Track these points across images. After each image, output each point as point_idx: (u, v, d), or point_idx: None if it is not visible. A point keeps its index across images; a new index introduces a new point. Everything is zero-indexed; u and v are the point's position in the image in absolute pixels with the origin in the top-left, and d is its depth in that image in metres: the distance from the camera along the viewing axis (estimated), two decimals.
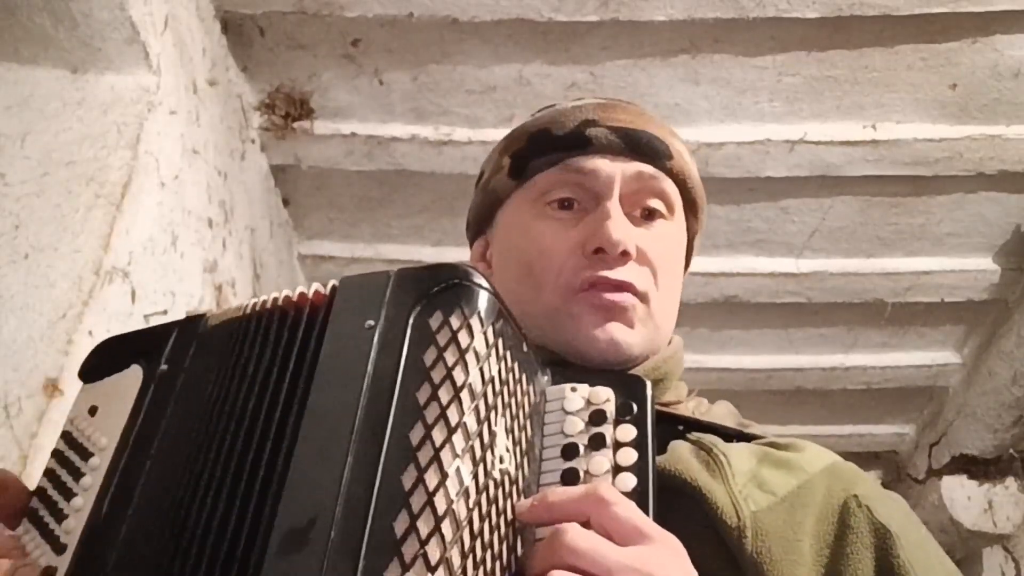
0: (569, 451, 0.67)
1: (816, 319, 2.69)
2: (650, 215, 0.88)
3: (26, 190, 1.32)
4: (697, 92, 2.06)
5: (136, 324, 1.40)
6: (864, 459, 3.16)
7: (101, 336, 1.25)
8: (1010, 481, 2.87)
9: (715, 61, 2.00)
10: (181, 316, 0.76)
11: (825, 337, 2.76)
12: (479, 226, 0.98)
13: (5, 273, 1.23)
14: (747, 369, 2.85)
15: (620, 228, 0.83)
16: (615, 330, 0.82)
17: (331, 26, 1.93)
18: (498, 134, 1.00)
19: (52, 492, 0.71)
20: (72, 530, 0.68)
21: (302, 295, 0.68)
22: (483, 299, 0.62)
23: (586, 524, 0.59)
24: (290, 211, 2.40)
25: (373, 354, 0.60)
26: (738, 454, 0.75)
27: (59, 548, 0.68)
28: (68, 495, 0.70)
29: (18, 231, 1.28)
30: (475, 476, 0.57)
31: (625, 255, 0.83)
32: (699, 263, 2.39)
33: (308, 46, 1.98)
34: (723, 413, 0.89)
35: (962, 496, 2.89)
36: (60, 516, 0.69)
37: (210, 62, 1.84)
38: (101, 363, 0.78)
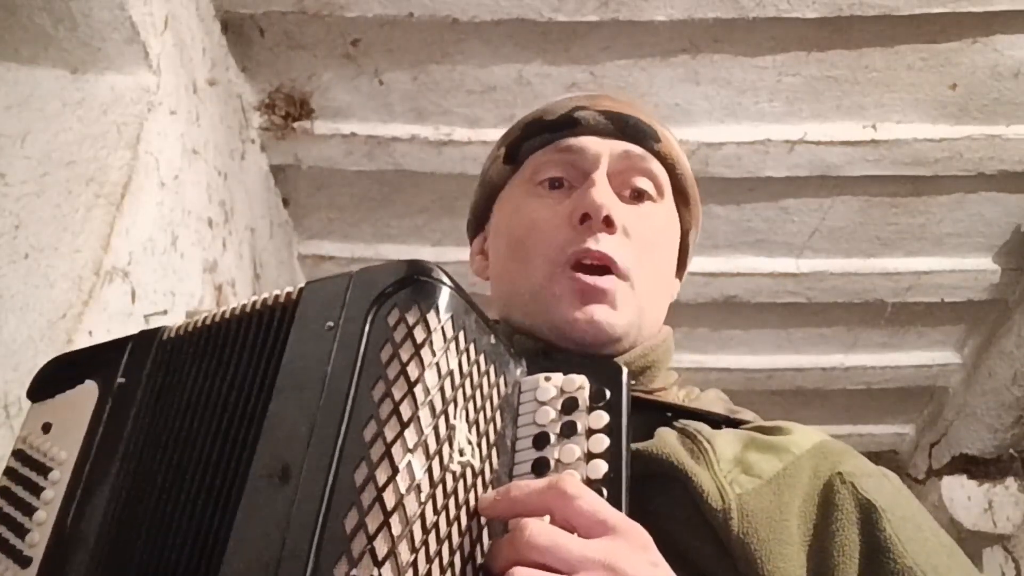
0: (540, 440, 0.66)
1: (816, 319, 2.68)
2: (639, 196, 0.89)
3: (26, 190, 1.32)
4: (697, 92, 2.06)
5: (136, 324, 1.40)
6: None
7: (101, 336, 1.25)
8: (1010, 481, 2.87)
9: (715, 61, 2.00)
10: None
11: (825, 337, 2.76)
12: (478, 221, 0.99)
13: (5, 273, 1.23)
14: (747, 369, 2.85)
15: (604, 194, 0.84)
16: (596, 311, 0.82)
17: (331, 26, 1.94)
18: (498, 134, 1.01)
19: (9, 509, 0.71)
20: (37, 543, 0.68)
21: (276, 298, 0.68)
22: (441, 294, 0.62)
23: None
24: (290, 211, 2.40)
25: (333, 355, 0.61)
26: (723, 440, 0.75)
27: (24, 562, 0.68)
28: (29, 510, 0.70)
29: (18, 231, 1.28)
30: (429, 470, 0.57)
31: (609, 222, 0.83)
32: (699, 263, 2.45)
33: (308, 46, 1.99)
34: (712, 399, 0.88)
35: (962, 496, 2.89)
36: (22, 531, 0.69)
37: (210, 62, 1.84)
38: (50, 382, 0.78)
